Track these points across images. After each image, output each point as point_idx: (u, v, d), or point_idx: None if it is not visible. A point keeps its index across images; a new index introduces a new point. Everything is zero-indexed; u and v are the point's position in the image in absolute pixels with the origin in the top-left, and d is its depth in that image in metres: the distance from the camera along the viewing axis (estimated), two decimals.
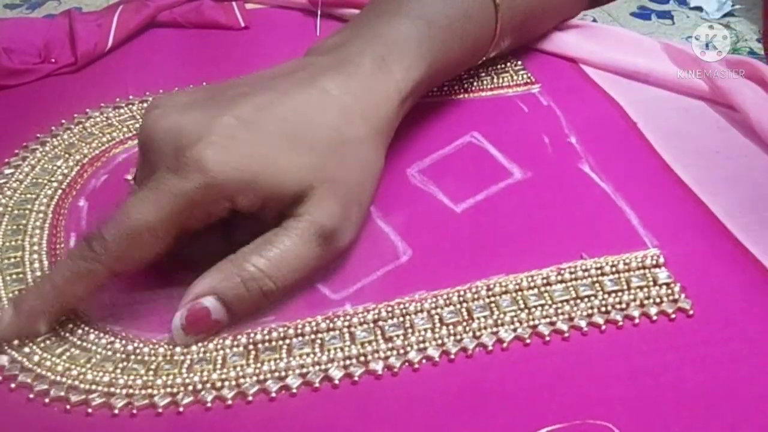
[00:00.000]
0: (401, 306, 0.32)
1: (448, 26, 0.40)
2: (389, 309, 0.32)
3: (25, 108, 0.46)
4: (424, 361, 0.30)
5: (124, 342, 0.31)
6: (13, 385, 0.29)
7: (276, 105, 0.33)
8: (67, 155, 0.41)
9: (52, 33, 0.51)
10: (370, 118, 0.35)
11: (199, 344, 0.31)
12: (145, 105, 0.45)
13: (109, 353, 0.31)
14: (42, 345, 0.31)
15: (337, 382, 0.30)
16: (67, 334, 0.31)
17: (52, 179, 0.40)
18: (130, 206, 0.30)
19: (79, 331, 0.31)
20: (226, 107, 0.32)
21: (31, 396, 0.29)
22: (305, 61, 0.37)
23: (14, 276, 0.34)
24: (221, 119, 0.31)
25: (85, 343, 0.31)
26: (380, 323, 0.32)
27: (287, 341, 0.31)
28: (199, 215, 0.31)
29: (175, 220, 0.30)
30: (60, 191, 0.39)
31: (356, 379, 0.30)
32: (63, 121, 0.44)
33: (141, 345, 0.31)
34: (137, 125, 0.44)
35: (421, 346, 0.31)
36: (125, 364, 0.30)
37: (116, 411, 0.28)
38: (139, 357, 0.30)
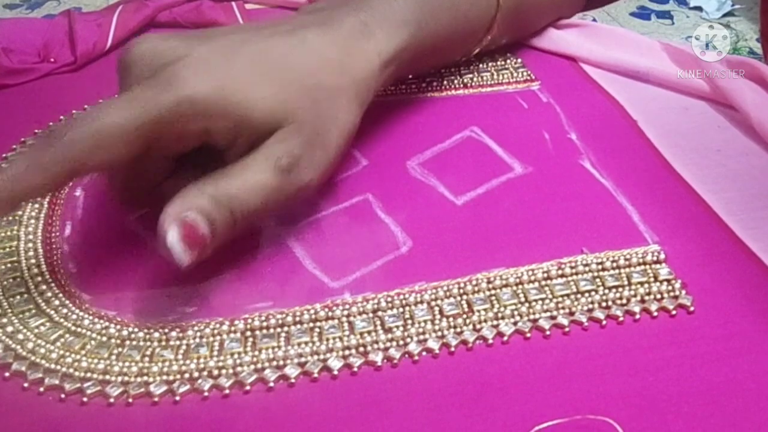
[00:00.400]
0: (401, 296, 0.32)
1: None
2: (389, 299, 0.32)
3: (24, 107, 0.46)
4: (424, 353, 0.30)
5: (119, 327, 0.31)
6: (7, 374, 0.29)
7: (255, 42, 0.34)
8: None
9: (51, 33, 0.51)
10: (347, 73, 0.35)
11: (196, 329, 0.31)
12: None
13: (104, 339, 0.30)
14: (36, 331, 0.31)
15: (336, 372, 0.29)
16: (62, 320, 0.31)
17: None
18: (101, 108, 0.30)
19: (74, 317, 0.31)
20: (207, 39, 0.33)
21: (26, 385, 0.29)
22: (290, 17, 0.38)
23: (9, 265, 0.34)
24: (200, 46, 0.32)
25: (79, 329, 0.31)
26: (380, 313, 0.32)
27: (285, 329, 0.31)
28: (172, 135, 0.31)
29: (146, 129, 0.30)
30: None
31: (355, 369, 0.29)
32: (61, 117, 0.44)
33: (136, 330, 0.31)
34: None
35: (421, 337, 0.31)
36: (120, 350, 0.30)
37: (111, 400, 0.28)
38: (134, 342, 0.30)
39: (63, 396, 0.28)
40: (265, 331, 0.31)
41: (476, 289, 0.33)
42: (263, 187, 0.31)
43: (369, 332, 0.31)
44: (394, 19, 0.38)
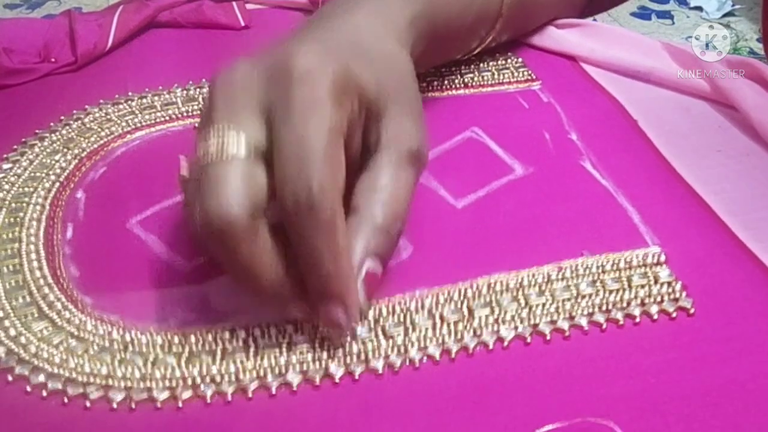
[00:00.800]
0: (402, 303, 0.32)
1: None
2: (390, 307, 0.32)
3: (24, 107, 0.46)
4: (424, 359, 0.30)
5: (121, 332, 0.31)
6: (10, 378, 0.29)
7: (322, 36, 0.32)
8: (65, 150, 0.41)
9: (52, 33, 0.51)
10: (392, 33, 0.35)
11: (198, 335, 0.31)
12: (144, 101, 0.45)
13: (107, 343, 0.30)
14: (39, 335, 0.31)
15: (337, 380, 0.29)
16: (65, 324, 0.31)
17: (50, 173, 0.39)
18: (302, 135, 0.27)
19: (76, 320, 0.31)
20: (282, 47, 0.31)
21: (29, 389, 0.29)
22: (308, 22, 0.36)
23: (11, 267, 0.34)
24: (291, 47, 0.30)
25: (82, 333, 0.31)
26: (381, 321, 0.32)
27: (287, 336, 0.31)
28: (345, 114, 0.29)
29: (343, 116, 0.29)
30: (58, 184, 0.39)
31: (357, 377, 0.30)
32: (62, 117, 0.44)
33: (139, 334, 0.31)
34: (136, 120, 0.44)
35: (422, 344, 0.31)
36: (123, 355, 0.30)
37: (114, 405, 0.28)
38: (137, 347, 0.30)
39: (66, 400, 0.28)
40: (267, 339, 0.31)
41: (477, 294, 0.33)
42: (409, 185, 0.31)
43: (370, 340, 0.31)
44: None
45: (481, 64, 0.49)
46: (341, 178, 0.28)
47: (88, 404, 0.28)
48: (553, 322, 0.32)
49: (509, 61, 0.50)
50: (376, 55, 0.33)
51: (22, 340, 0.30)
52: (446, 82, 0.47)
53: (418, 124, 0.32)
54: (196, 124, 0.43)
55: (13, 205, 0.37)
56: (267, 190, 0.28)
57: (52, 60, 0.49)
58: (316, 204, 0.26)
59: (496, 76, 0.48)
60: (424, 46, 0.39)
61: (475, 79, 0.48)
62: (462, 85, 0.47)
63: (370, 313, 0.32)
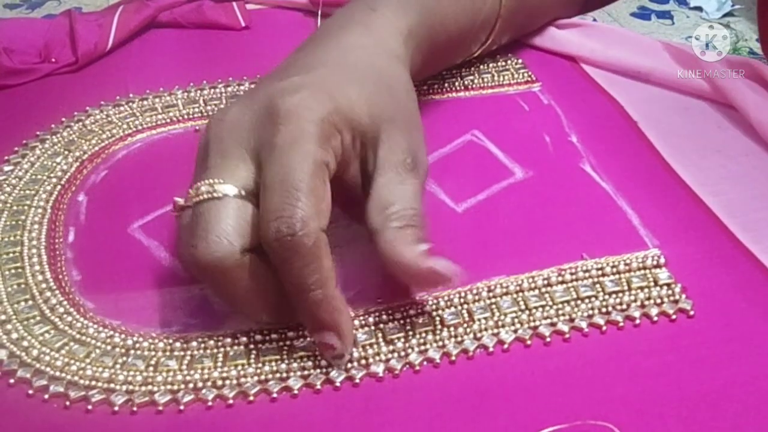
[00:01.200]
0: (402, 308, 0.32)
1: None
2: (390, 311, 0.32)
3: (25, 107, 0.46)
4: (425, 363, 0.30)
5: (123, 336, 0.31)
6: (12, 381, 0.29)
7: (312, 63, 0.33)
8: (66, 152, 0.41)
9: (52, 33, 0.51)
10: (386, 50, 0.36)
11: (199, 340, 0.31)
12: (145, 103, 0.45)
13: (109, 348, 0.30)
14: (41, 338, 0.31)
15: (338, 384, 0.29)
16: (66, 328, 0.31)
17: (52, 175, 0.40)
18: (286, 170, 0.28)
19: (78, 325, 0.31)
20: (272, 83, 0.32)
21: (31, 392, 0.29)
22: (303, 45, 0.37)
23: (13, 271, 0.34)
24: (279, 84, 0.31)
25: (84, 337, 0.31)
26: (381, 326, 0.32)
27: (288, 342, 0.31)
28: (331, 149, 0.30)
29: (327, 151, 0.30)
30: (59, 187, 0.39)
31: (357, 381, 0.30)
32: (63, 119, 0.44)
33: (140, 339, 0.31)
34: (137, 122, 0.44)
35: (422, 348, 0.31)
36: (125, 359, 0.30)
37: (116, 408, 0.28)
38: (138, 352, 0.30)
39: (68, 403, 0.29)
40: (267, 345, 0.31)
41: (477, 298, 0.33)
42: (415, 194, 0.31)
43: (371, 344, 0.31)
44: (398, 2, 0.38)
45: (481, 66, 0.49)
46: (325, 209, 0.29)
47: (89, 407, 0.28)
48: (553, 324, 0.32)
49: (509, 62, 0.50)
50: (368, 76, 0.33)
51: (24, 343, 0.30)
52: (446, 84, 0.47)
53: (411, 135, 0.33)
54: (197, 127, 0.44)
55: (15, 207, 0.37)
56: (257, 226, 0.29)
57: (53, 60, 0.50)
58: (297, 233, 0.27)
59: (496, 78, 0.48)
60: (423, 54, 0.40)
61: (475, 81, 0.48)
62: (462, 88, 0.47)
63: (371, 318, 0.32)
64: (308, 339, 0.31)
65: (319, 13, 0.56)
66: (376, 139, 0.32)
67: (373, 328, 0.32)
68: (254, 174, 0.30)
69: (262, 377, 0.29)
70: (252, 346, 0.31)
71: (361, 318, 0.32)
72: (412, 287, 0.31)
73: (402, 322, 0.32)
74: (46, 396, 0.29)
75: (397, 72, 0.35)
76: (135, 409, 0.28)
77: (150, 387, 0.29)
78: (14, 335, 0.31)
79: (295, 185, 0.28)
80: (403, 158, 0.31)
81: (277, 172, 0.28)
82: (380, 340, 0.31)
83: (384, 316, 0.32)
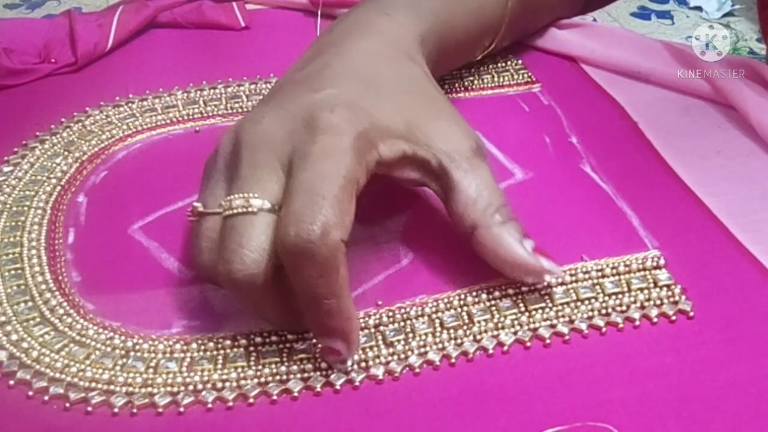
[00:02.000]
0: (402, 310, 0.32)
1: None
2: (390, 314, 0.32)
3: (25, 108, 0.46)
4: (424, 365, 0.30)
5: (123, 338, 0.31)
6: (12, 382, 0.29)
7: (343, 71, 0.33)
8: (66, 153, 0.41)
9: (52, 33, 0.51)
10: (406, 55, 0.36)
11: (199, 342, 0.31)
12: (145, 103, 0.45)
13: (109, 349, 0.30)
14: (41, 340, 0.31)
15: (338, 387, 0.29)
16: (66, 329, 0.31)
17: (51, 176, 0.39)
18: (316, 178, 0.28)
19: (78, 326, 0.31)
20: (305, 92, 0.32)
21: (31, 393, 0.29)
22: (312, 47, 0.37)
23: (12, 272, 0.34)
24: (315, 96, 0.31)
25: (84, 339, 0.31)
26: (381, 328, 0.32)
27: (288, 344, 0.31)
28: (363, 170, 0.30)
29: (361, 169, 0.29)
30: (59, 188, 0.39)
31: (357, 384, 0.30)
32: (63, 119, 0.44)
33: (140, 341, 0.31)
34: (137, 123, 0.44)
35: (422, 350, 0.31)
36: (125, 360, 0.30)
37: (116, 410, 0.28)
38: (138, 353, 0.30)
39: (68, 405, 0.29)
40: (267, 347, 0.31)
41: (476, 300, 0.33)
42: (491, 178, 0.32)
43: (371, 347, 0.31)
44: (411, 10, 0.39)
45: (481, 67, 0.49)
46: (348, 223, 0.28)
47: (89, 409, 0.28)
48: (552, 326, 0.32)
49: (509, 63, 0.50)
50: (398, 86, 0.34)
51: (24, 345, 0.30)
52: (446, 86, 0.47)
53: (458, 123, 0.34)
54: (197, 128, 0.44)
55: (15, 208, 0.37)
56: None
57: (52, 60, 0.50)
58: (315, 240, 0.27)
59: (496, 79, 0.48)
60: (433, 60, 0.40)
61: (475, 82, 0.48)
62: (462, 89, 0.47)
63: (371, 320, 0.32)
64: (308, 341, 0.31)
65: (319, 13, 0.56)
66: (420, 139, 0.32)
67: (373, 330, 0.32)
68: (285, 185, 0.29)
69: (262, 379, 0.30)
70: (252, 348, 0.31)
71: (361, 320, 0.32)
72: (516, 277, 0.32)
73: (402, 324, 0.32)
74: (46, 397, 0.29)
75: (419, 73, 0.36)
76: (135, 410, 0.28)
77: (150, 389, 0.29)
78: (14, 336, 0.31)
79: (322, 193, 0.27)
80: (469, 144, 0.32)
81: (306, 178, 0.28)
82: (380, 342, 0.31)
83: (384, 319, 0.32)
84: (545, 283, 0.32)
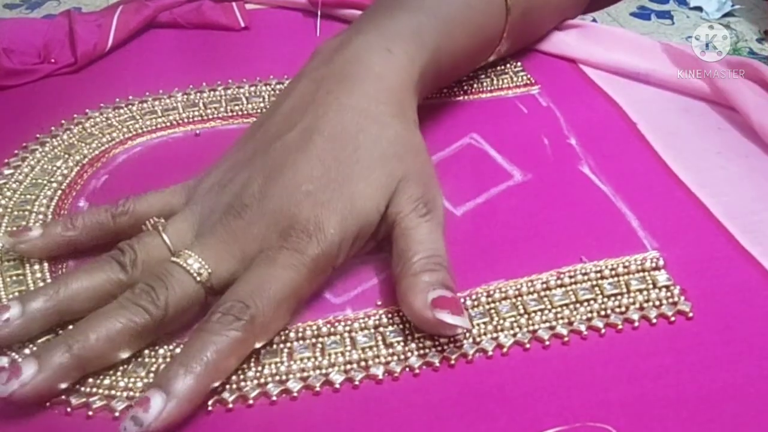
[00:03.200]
0: (402, 311, 0.32)
1: (448, 15, 0.41)
2: (390, 315, 0.32)
3: (24, 108, 0.46)
4: (424, 366, 0.30)
5: None
6: None
7: (330, 135, 0.34)
8: (66, 156, 0.41)
9: (51, 33, 0.51)
10: (396, 106, 0.36)
11: None
12: (144, 105, 0.45)
13: None
14: (42, 346, 0.31)
15: (338, 386, 0.30)
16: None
17: (52, 180, 0.39)
18: (269, 277, 0.30)
19: None
20: (272, 170, 0.33)
21: None
22: (309, 79, 0.37)
23: (14, 278, 0.34)
24: (299, 186, 0.32)
25: None
26: (381, 329, 0.32)
27: (288, 345, 0.31)
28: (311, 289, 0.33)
29: (310, 286, 0.32)
30: (60, 192, 0.39)
31: (357, 383, 0.30)
32: (63, 121, 0.44)
33: None
34: (137, 125, 0.44)
35: (422, 351, 0.31)
36: (125, 366, 0.30)
37: (117, 414, 0.28)
38: (139, 359, 0.30)
39: (69, 410, 0.29)
40: (268, 348, 0.31)
41: (475, 303, 0.33)
42: (430, 234, 0.33)
43: (371, 347, 0.31)
44: (413, 42, 0.38)
45: (480, 71, 0.49)
46: (273, 329, 0.31)
47: (90, 413, 0.28)
48: (551, 328, 0.32)
49: (508, 65, 0.50)
50: (383, 156, 0.34)
51: (26, 350, 0.30)
52: (445, 89, 0.47)
53: (426, 186, 0.34)
54: (198, 131, 0.44)
55: (16, 212, 0.37)
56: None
57: (52, 60, 0.49)
58: (245, 318, 0.29)
59: (494, 82, 0.48)
60: (431, 86, 0.41)
61: (474, 85, 0.48)
62: (461, 92, 0.47)
63: (371, 321, 0.32)
64: (307, 341, 0.31)
65: (319, 13, 0.56)
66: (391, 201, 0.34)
67: (372, 330, 0.32)
68: (235, 270, 0.32)
69: (262, 380, 0.30)
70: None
71: (361, 321, 0.32)
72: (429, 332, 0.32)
73: (401, 325, 0.32)
74: (48, 402, 0.29)
75: (407, 134, 0.36)
76: None
77: None
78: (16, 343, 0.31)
79: (270, 293, 0.30)
80: (414, 206, 0.33)
81: (261, 274, 0.31)
82: (380, 342, 0.31)
83: (384, 319, 0.32)
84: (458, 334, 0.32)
